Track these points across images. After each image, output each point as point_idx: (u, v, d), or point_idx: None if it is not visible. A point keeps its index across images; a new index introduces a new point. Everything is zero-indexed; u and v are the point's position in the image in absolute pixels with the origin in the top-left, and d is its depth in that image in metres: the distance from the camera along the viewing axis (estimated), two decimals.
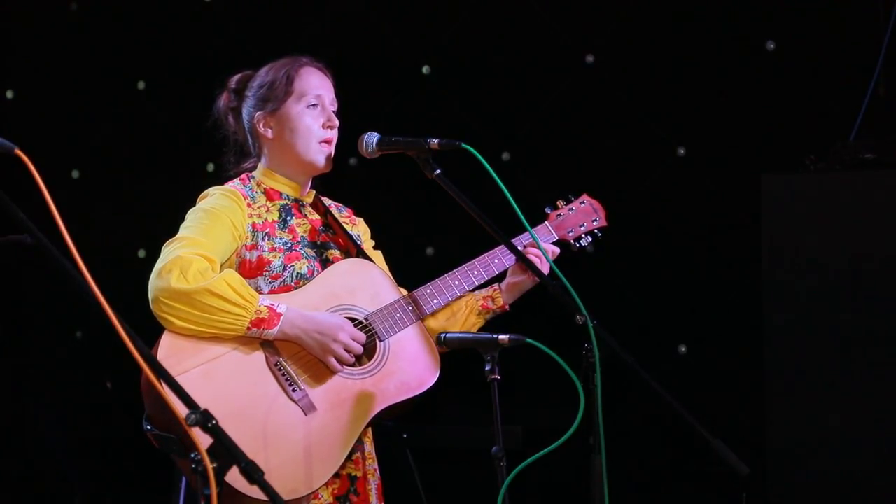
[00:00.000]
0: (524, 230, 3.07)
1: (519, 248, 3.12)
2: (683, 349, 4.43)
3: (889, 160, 3.82)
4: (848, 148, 3.88)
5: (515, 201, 2.81)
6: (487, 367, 2.80)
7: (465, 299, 3.24)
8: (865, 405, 3.69)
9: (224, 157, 3.27)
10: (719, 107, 4.38)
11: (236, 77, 3.24)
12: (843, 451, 3.70)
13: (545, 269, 3.12)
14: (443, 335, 2.92)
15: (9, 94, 5.25)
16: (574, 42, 4.55)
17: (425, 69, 4.74)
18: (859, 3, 4.19)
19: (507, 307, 3.25)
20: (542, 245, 3.13)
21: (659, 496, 4.46)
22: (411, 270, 3.34)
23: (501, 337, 2.82)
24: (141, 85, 5.09)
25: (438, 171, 2.97)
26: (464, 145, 2.92)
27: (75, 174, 5.17)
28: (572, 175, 4.48)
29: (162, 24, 5.05)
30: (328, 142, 3.14)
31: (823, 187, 3.83)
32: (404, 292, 3.19)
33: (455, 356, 3.05)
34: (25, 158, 2.11)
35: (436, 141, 2.98)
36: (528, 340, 2.81)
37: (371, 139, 3.06)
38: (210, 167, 4.73)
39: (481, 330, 3.24)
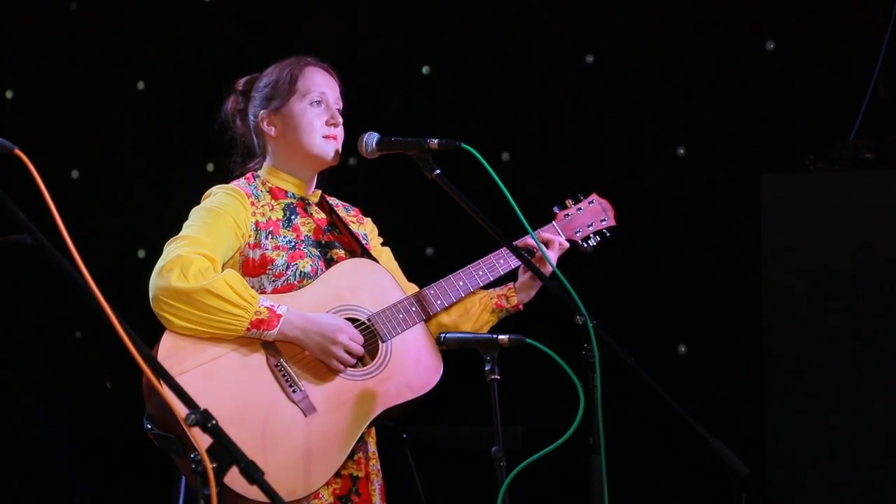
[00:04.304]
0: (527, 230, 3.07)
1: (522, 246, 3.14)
2: (683, 349, 4.43)
3: (889, 160, 3.82)
4: (848, 148, 3.88)
5: (515, 201, 2.81)
6: (487, 367, 2.80)
7: (478, 297, 3.25)
8: (865, 405, 3.69)
9: (231, 158, 3.27)
10: (719, 107, 4.38)
11: (243, 80, 3.25)
12: (843, 451, 3.70)
13: (546, 270, 3.14)
14: (442, 335, 2.92)
15: (9, 95, 5.25)
16: (574, 42, 4.55)
17: (425, 69, 4.74)
18: (859, 3, 4.19)
19: (521, 307, 3.26)
20: (541, 246, 3.14)
21: (659, 496, 4.45)
22: (411, 270, 3.34)
23: (501, 337, 2.82)
24: (141, 85, 5.09)
25: (438, 172, 2.97)
26: (464, 145, 2.92)
27: (75, 174, 5.17)
28: (572, 175, 4.47)
29: (162, 24, 5.05)
30: (333, 137, 3.15)
31: (823, 187, 3.83)
32: (416, 289, 3.19)
33: (455, 356, 3.05)
34: (25, 158, 2.11)
35: (436, 141, 2.98)
36: (528, 340, 2.81)
37: (371, 139, 3.06)
38: (210, 167, 4.73)
39: (493, 329, 3.25)
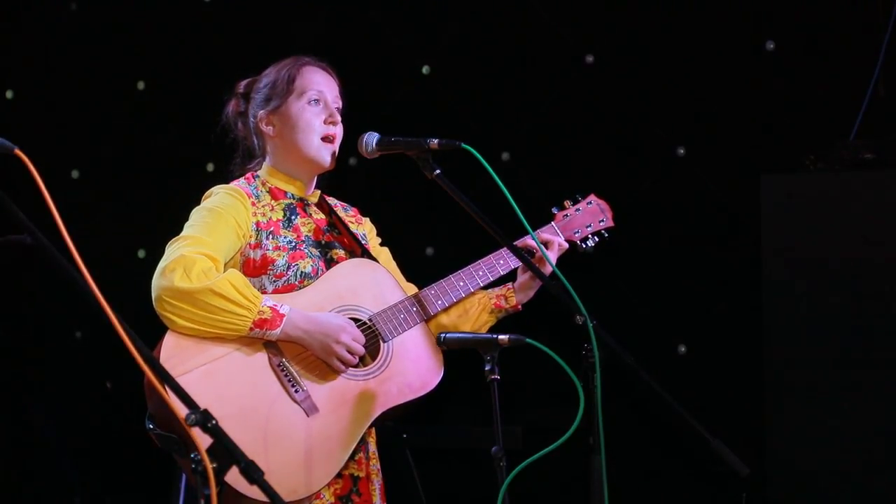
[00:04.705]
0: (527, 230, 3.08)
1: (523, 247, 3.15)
2: (683, 349, 4.43)
3: (889, 160, 3.82)
4: (848, 148, 3.88)
5: (515, 201, 2.81)
6: (487, 367, 2.80)
7: (478, 297, 3.25)
8: (865, 405, 3.69)
9: (232, 161, 3.27)
10: (719, 107, 4.38)
11: (244, 82, 3.26)
12: (843, 452, 3.70)
13: (546, 270, 3.14)
14: (442, 335, 2.92)
15: (9, 94, 5.25)
16: (574, 42, 4.55)
17: (425, 69, 4.74)
18: (859, 3, 4.19)
19: (520, 307, 3.27)
20: (540, 246, 3.14)
21: (659, 496, 4.45)
22: (411, 270, 3.34)
23: (501, 337, 2.82)
24: (141, 85, 5.09)
25: (438, 172, 2.98)
26: (464, 145, 2.92)
27: (75, 174, 5.17)
28: (572, 175, 4.48)
29: (162, 24, 5.05)
30: (331, 138, 3.15)
31: (823, 187, 3.83)
32: (414, 289, 3.19)
33: (455, 356, 3.05)
34: (25, 158, 2.11)
35: (436, 141, 2.98)
36: (528, 340, 2.81)
37: (371, 139, 3.07)
38: (210, 167, 4.74)
39: (492, 328, 3.25)
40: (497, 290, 3.28)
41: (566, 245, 3.28)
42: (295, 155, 3.15)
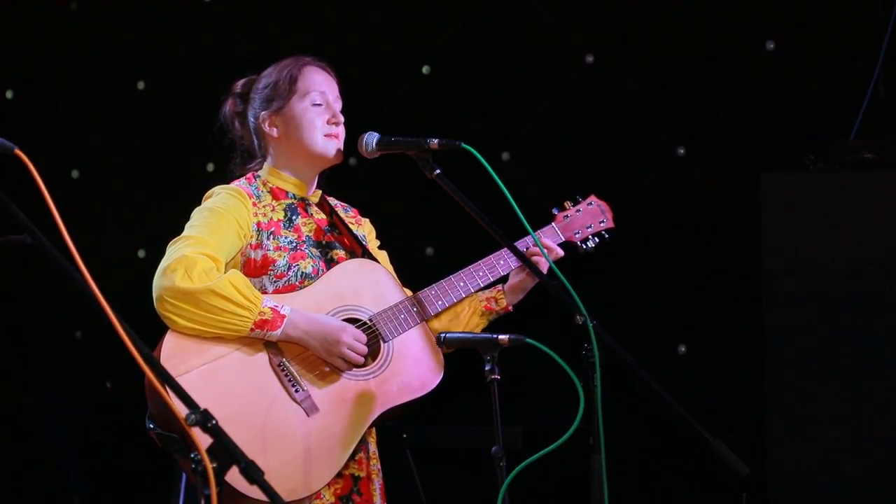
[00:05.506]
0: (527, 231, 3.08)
1: (523, 248, 3.15)
2: (683, 349, 4.43)
3: (889, 160, 3.82)
4: (848, 148, 3.88)
5: (516, 201, 2.81)
6: (487, 367, 2.80)
7: (467, 300, 3.25)
8: (865, 405, 3.69)
9: (230, 161, 3.27)
10: (719, 107, 4.38)
11: (241, 82, 3.25)
12: (843, 452, 3.70)
13: (545, 270, 3.14)
14: (443, 335, 2.92)
15: (9, 94, 5.24)
16: (574, 42, 4.55)
17: (425, 69, 4.74)
18: (859, 3, 4.19)
19: (510, 308, 3.26)
20: (541, 245, 3.14)
21: (659, 496, 4.45)
22: (411, 271, 3.34)
23: (501, 337, 2.82)
24: (141, 85, 5.09)
25: (438, 171, 2.98)
26: (464, 145, 2.92)
27: (75, 174, 5.17)
28: (572, 175, 4.48)
29: (162, 24, 5.05)
30: (335, 136, 3.15)
31: (823, 187, 3.83)
32: (409, 293, 3.19)
33: (455, 356, 3.05)
34: (25, 158, 2.11)
35: (436, 141, 2.98)
36: (528, 340, 2.81)
37: (371, 139, 3.07)
38: (210, 167, 4.73)
39: (483, 331, 3.25)
40: (487, 293, 3.27)
41: (561, 253, 3.27)
42: (301, 153, 3.15)
